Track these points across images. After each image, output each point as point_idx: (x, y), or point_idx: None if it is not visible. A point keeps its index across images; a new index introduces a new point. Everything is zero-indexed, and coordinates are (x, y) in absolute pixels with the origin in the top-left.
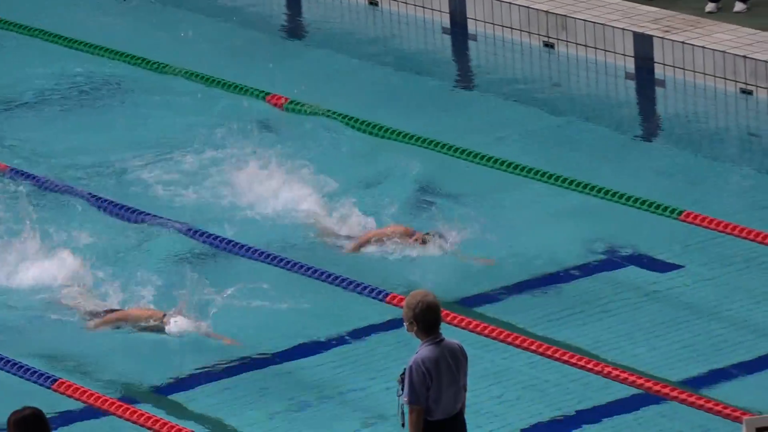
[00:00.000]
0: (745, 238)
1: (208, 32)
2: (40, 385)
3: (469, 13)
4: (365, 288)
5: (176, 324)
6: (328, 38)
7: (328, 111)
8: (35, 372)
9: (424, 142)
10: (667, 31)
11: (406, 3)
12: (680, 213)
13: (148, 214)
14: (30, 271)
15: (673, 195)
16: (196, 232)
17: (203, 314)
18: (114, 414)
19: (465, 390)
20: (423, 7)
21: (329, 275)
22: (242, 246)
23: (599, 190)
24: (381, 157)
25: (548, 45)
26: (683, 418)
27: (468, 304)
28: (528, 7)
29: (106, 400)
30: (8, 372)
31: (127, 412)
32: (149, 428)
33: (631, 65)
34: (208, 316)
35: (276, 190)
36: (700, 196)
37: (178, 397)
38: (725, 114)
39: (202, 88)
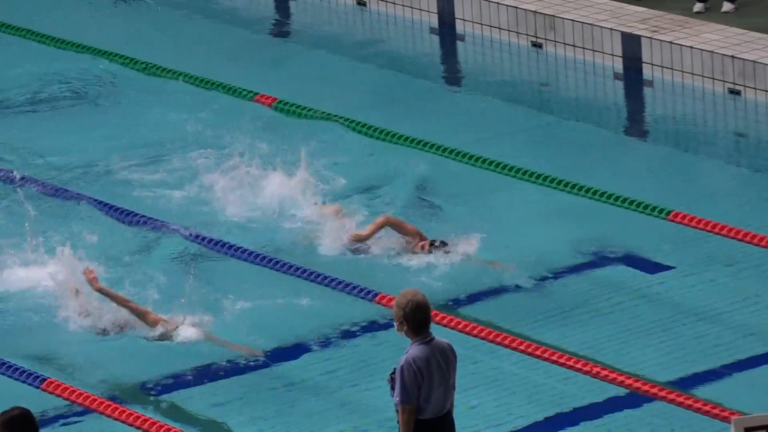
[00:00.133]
0: (733, 237)
1: (197, 34)
2: (29, 384)
3: (458, 14)
4: (354, 288)
5: (185, 335)
6: (316, 38)
7: (316, 111)
8: (24, 372)
9: (412, 142)
10: (655, 31)
11: (394, 3)
12: (669, 213)
13: (143, 215)
14: (18, 272)
15: (662, 195)
16: (189, 234)
17: (208, 321)
18: (103, 414)
19: (454, 389)
20: (411, 7)
21: (317, 275)
22: (230, 246)
23: (587, 190)
24: (369, 156)
25: (536, 45)
26: (672, 418)
27: (456, 304)
28: (516, 8)
29: (95, 400)
30: None
31: (116, 412)
32: (138, 428)
33: (619, 65)
34: (212, 322)
35: (265, 191)
36: (688, 196)
37: (167, 396)
38: (713, 114)
39: (193, 89)
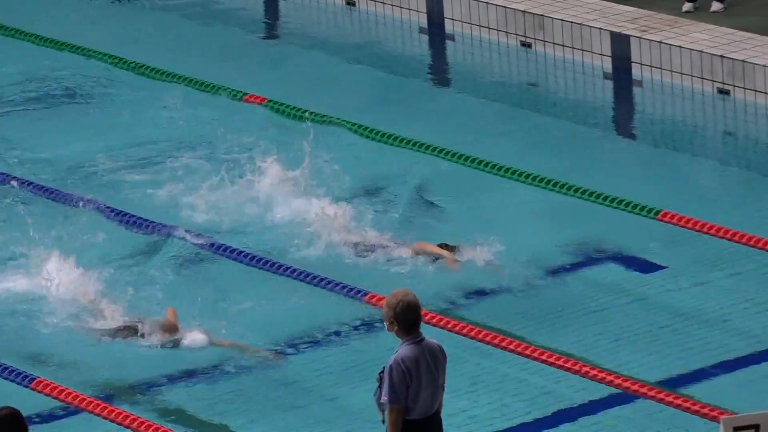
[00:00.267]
0: (722, 237)
1: (187, 34)
2: (18, 384)
3: (447, 13)
4: (344, 287)
5: (192, 341)
6: (305, 38)
7: (306, 111)
8: (13, 371)
9: (401, 142)
10: (644, 31)
11: (383, 3)
12: (657, 212)
13: (139, 217)
14: (8, 272)
15: (651, 194)
16: (186, 236)
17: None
18: (92, 413)
19: (443, 389)
20: (400, 7)
21: (308, 275)
22: (219, 246)
23: (576, 190)
24: (358, 156)
25: (525, 45)
26: (662, 417)
27: (447, 304)
28: (505, 7)
29: (84, 399)
30: None
31: (105, 411)
32: (128, 427)
33: (608, 65)
34: (215, 326)
35: (256, 191)
36: (677, 195)
37: (157, 396)
38: (702, 114)
39: (187, 90)
